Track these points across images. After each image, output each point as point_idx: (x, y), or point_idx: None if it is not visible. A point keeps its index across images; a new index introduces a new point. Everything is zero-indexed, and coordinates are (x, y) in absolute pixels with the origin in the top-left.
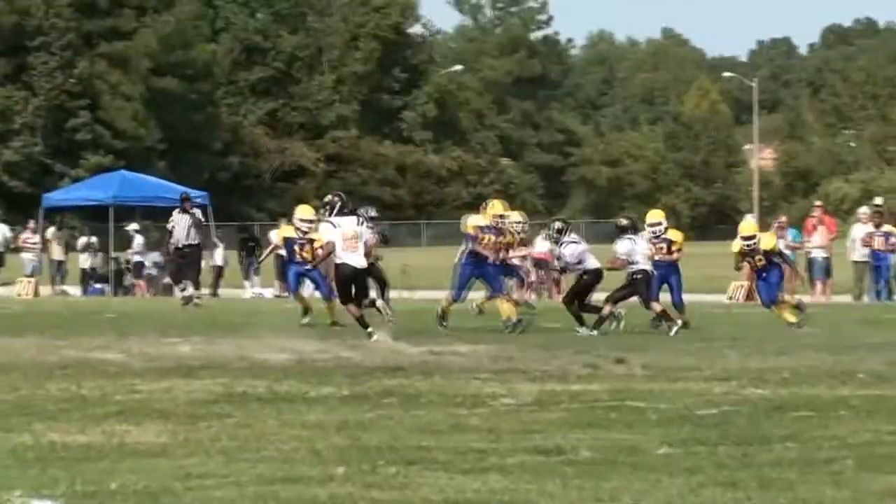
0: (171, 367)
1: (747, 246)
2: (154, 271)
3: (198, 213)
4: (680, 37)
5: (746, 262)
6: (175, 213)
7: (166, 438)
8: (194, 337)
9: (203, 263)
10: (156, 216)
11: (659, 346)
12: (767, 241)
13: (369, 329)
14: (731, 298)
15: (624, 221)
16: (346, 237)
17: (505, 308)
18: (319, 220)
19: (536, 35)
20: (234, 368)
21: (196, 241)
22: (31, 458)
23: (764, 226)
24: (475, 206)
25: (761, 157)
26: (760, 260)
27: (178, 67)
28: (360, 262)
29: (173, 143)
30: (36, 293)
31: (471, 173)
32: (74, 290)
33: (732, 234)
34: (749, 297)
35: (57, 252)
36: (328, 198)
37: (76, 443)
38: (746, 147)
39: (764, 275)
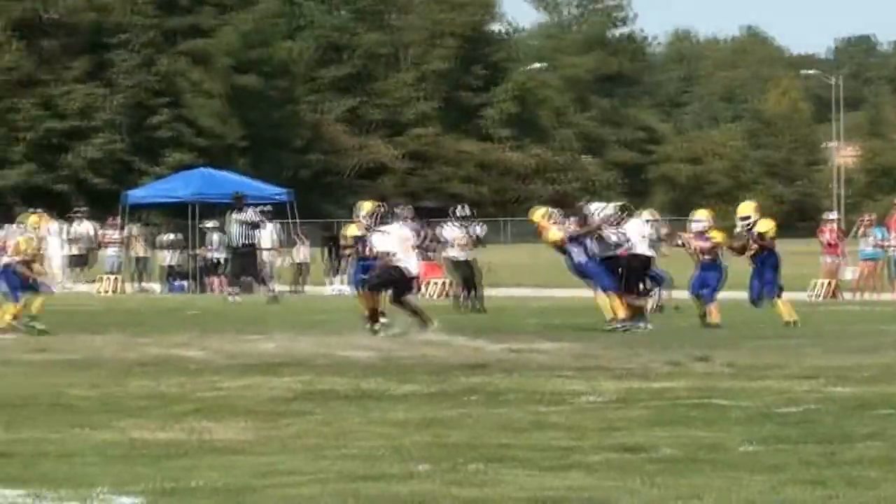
0: (252, 364)
1: (746, 227)
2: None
3: (250, 212)
4: (761, 34)
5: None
6: (228, 213)
7: (248, 436)
8: (276, 334)
9: (281, 260)
10: None
11: (742, 344)
12: (764, 224)
13: (379, 321)
14: (816, 296)
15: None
16: (402, 240)
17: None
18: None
19: (617, 32)
20: (316, 365)
21: (251, 241)
22: (113, 455)
23: (848, 224)
24: (556, 202)
25: (843, 155)
26: (752, 243)
27: (259, 65)
28: (414, 267)
29: (255, 140)
30: (118, 290)
31: (551, 171)
32: (156, 287)
33: (814, 233)
34: (833, 294)
35: (140, 249)
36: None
37: (158, 440)
38: (827, 145)
39: (760, 266)
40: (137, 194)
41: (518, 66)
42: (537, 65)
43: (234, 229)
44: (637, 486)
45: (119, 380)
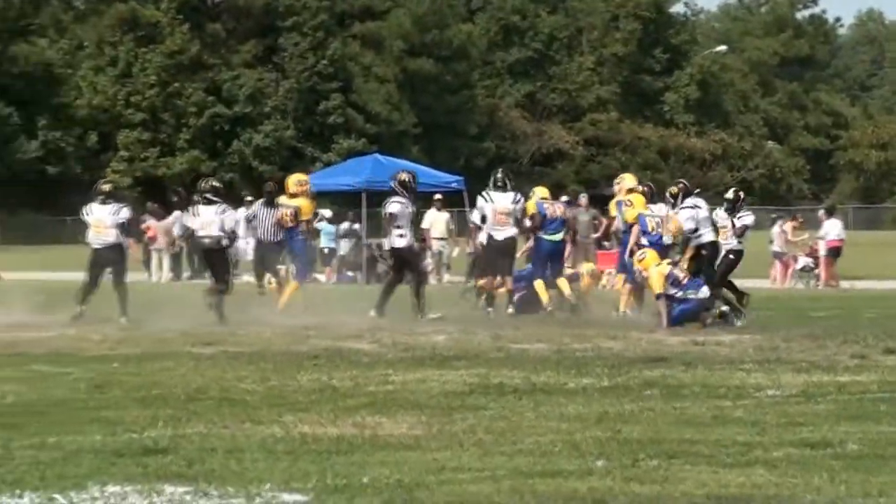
0: (424, 357)
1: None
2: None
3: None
4: None
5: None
6: (257, 204)
7: (419, 431)
8: (449, 326)
9: (450, 250)
10: None
11: None
12: (629, 212)
13: (490, 309)
14: None
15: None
16: (497, 212)
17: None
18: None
19: (803, 14)
20: (490, 359)
21: (280, 239)
22: (280, 451)
23: None
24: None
25: None
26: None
27: (434, 48)
28: (504, 236)
29: (428, 127)
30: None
31: (735, 157)
32: (321, 278)
33: None
34: None
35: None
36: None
37: (327, 435)
38: None
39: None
40: None
41: (700, 49)
42: (720, 48)
43: (266, 223)
44: (822, 482)
45: (289, 373)
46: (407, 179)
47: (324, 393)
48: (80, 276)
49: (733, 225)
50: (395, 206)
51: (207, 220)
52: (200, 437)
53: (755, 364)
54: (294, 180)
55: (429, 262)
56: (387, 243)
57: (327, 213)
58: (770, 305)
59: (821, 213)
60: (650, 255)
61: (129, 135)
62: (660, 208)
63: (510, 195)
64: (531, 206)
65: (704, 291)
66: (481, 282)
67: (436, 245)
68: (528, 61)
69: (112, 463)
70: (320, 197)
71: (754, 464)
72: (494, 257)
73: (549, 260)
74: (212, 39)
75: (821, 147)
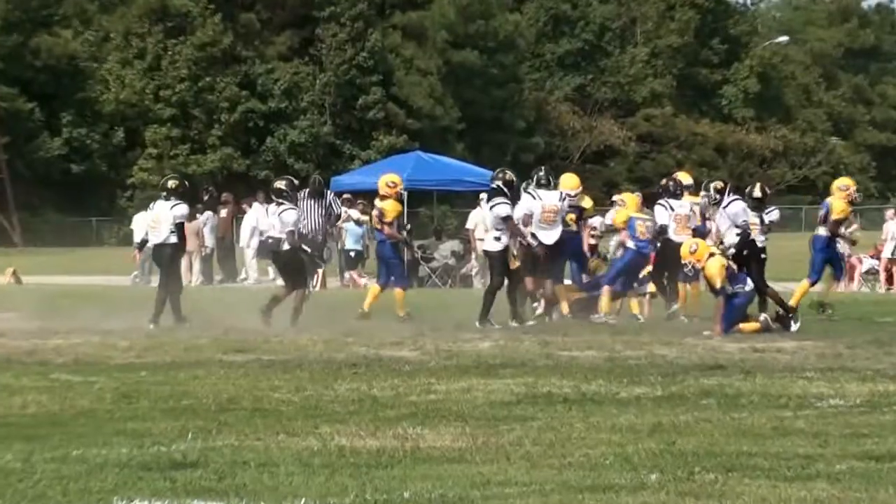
0: (469, 365)
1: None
2: (452, 261)
3: (331, 198)
4: None
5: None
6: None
7: (464, 443)
8: (494, 332)
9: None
10: (453, 200)
11: None
12: (619, 215)
13: (538, 311)
14: None
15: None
16: (545, 209)
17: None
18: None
19: (869, 3)
20: (537, 367)
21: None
22: (317, 464)
23: None
24: (801, 189)
25: None
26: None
27: (479, 39)
28: (552, 238)
29: (472, 122)
30: (324, 284)
31: (797, 153)
32: (364, 281)
33: None
34: None
35: (348, 240)
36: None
37: (366, 447)
38: None
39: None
40: (345, 180)
41: (760, 40)
42: (781, 38)
43: (310, 217)
44: (887, 497)
45: (326, 382)
46: (512, 179)
47: (363, 403)
48: (105, 280)
49: (762, 221)
50: (505, 207)
51: (272, 221)
52: (232, 449)
53: (817, 372)
54: (385, 181)
55: (473, 263)
56: (484, 244)
57: (354, 213)
58: (833, 310)
59: (890, 212)
60: (702, 246)
61: (158, 131)
62: (682, 205)
63: (556, 193)
64: None
65: (750, 283)
66: (529, 286)
67: (481, 246)
68: (578, 53)
69: (139, 477)
70: (356, 196)
71: (816, 477)
72: (536, 257)
73: (572, 255)
74: (245, 31)
75: (887, 143)
